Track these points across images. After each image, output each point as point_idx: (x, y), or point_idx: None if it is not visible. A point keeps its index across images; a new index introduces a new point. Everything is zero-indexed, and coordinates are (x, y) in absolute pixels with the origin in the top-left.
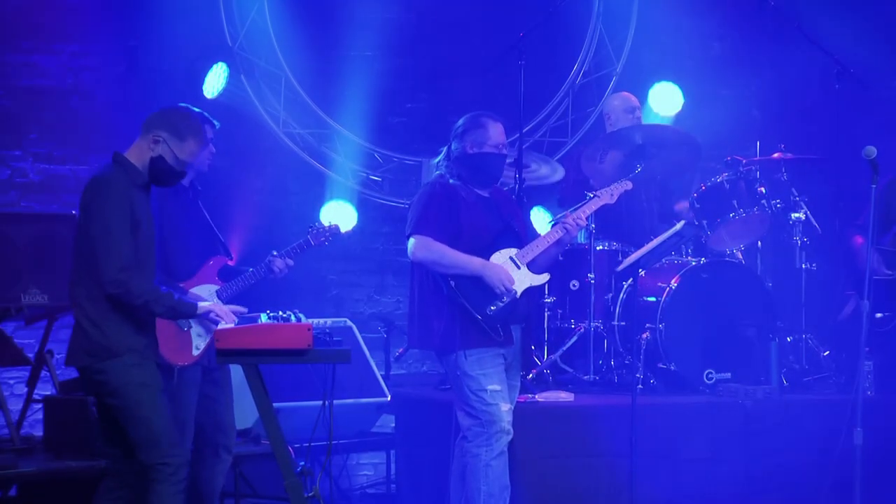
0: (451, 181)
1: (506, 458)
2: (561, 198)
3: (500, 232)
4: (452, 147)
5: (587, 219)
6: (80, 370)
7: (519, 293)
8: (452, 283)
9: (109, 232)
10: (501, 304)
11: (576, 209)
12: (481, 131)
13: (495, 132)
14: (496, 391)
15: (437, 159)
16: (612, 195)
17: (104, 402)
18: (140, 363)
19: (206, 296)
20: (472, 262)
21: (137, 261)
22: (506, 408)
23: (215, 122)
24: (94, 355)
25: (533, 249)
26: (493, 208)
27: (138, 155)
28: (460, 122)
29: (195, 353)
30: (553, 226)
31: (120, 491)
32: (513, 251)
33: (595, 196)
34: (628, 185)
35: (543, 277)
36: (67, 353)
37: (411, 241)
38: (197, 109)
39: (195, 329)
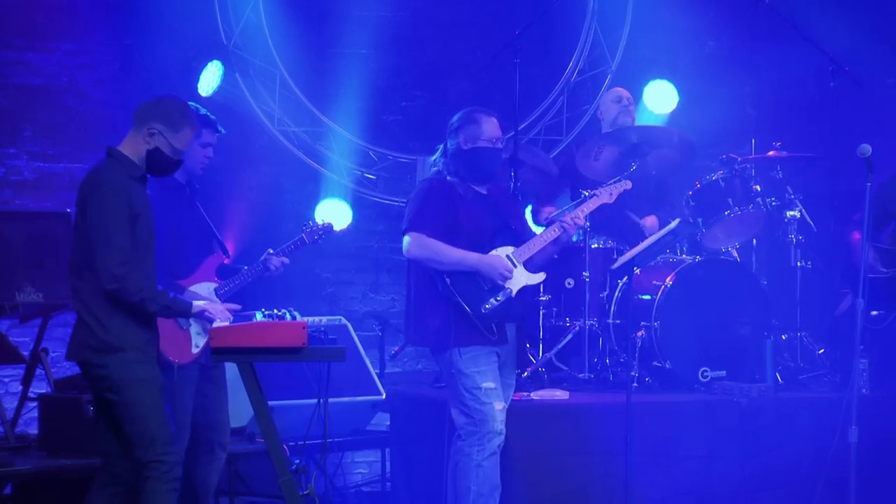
0: (448, 178)
1: (497, 459)
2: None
3: (497, 230)
4: (448, 144)
5: (585, 218)
6: (81, 364)
7: (514, 292)
8: (448, 280)
9: (107, 227)
10: (496, 303)
11: (574, 206)
12: (474, 126)
13: (489, 127)
14: (490, 389)
15: (433, 157)
16: (611, 195)
17: (103, 396)
18: (142, 360)
19: (204, 293)
20: (468, 258)
21: (136, 255)
22: (499, 406)
23: (221, 129)
24: (95, 350)
25: (530, 248)
26: (491, 206)
27: (133, 148)
28: (454, 118)
29: (195, 350)
30: (548, 224)
31: (114, 487)
32: (509, 249)
33: (594, 195)
34: (627, 185)
35: (539, 277)
36: (69, 347)
37: (406, 238)
38: (203, 111)
39: (195, 327)
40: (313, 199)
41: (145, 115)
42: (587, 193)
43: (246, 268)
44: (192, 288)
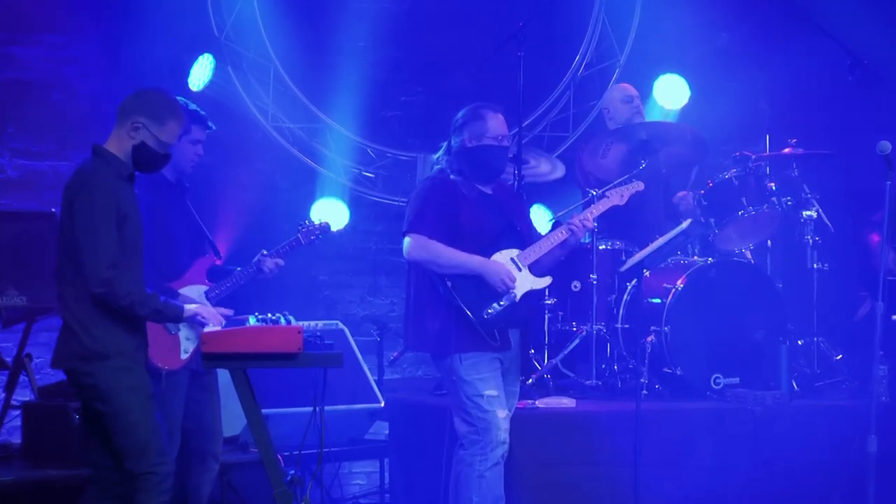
0: (451, 177)
1: (501, 469)
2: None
3: (501, 231)
4: (452, 141)
5: (594, 220)
6: (68, 373)
7: (518, 296)
8: (449, 283)
9: (95, 229)
10: (499, 308)
11: (582, 207)
12: (480, 123)
13: (495, 123)
14: (493, 397)
15: (437, 154)
16: (622, 196)
17: (92, 406)
18: (130, 367)
19: (194, 296)
20: (470, 261)
21: (124, 258)
22: (502, 414)
23: (211, 125)
24: (82, 358)
25: (535, 251)
26: (496, 206)
27: (118, 144)
28: (459, 114)
29: (183, 356)
30: (554, 225)
31: (104, 501)
32: (514, 252)
33: (604, 196)
34: (640, 187)
35: (545, 281)
36: (54, 356)
37: (407, 239)
38: (193, 106)
39: (184, 332)
40: (309, 199)
41: (128, 109)
42: (595, 193)
43: (239, 269)
44: (183, 291)
